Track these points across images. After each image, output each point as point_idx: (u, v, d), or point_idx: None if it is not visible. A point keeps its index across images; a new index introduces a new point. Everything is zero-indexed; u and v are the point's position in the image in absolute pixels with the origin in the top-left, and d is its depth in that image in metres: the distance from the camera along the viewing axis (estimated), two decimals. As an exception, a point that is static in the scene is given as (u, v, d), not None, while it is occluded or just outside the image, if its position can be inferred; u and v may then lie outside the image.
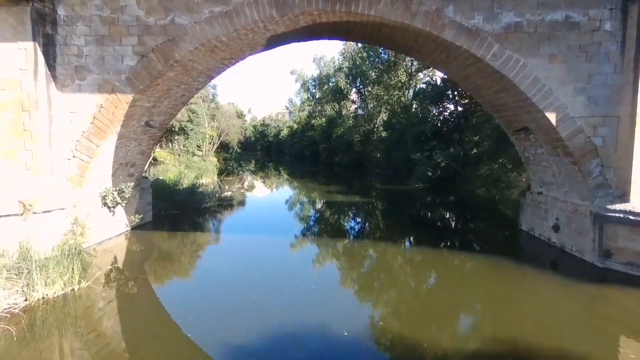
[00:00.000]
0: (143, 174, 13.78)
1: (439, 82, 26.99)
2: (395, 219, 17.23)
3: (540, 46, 8.61)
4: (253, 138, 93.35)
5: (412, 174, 25.91)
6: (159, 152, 27.01)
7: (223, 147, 55.63)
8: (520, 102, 9.20)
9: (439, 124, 26.73)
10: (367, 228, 15.22)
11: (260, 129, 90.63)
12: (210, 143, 44.43)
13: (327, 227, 14.89)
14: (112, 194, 10.45)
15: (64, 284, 7.04)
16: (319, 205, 20.65)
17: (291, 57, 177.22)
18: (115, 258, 10.05)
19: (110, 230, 10.84)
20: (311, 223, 15.62)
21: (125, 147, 10.68)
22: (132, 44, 9.16)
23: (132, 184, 11.43)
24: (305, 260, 10.63)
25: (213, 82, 57.69)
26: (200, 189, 17.40)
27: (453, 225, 15.97)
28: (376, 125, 40.74)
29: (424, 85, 27.33)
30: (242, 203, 19.16)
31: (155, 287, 8.46)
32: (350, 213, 18.23)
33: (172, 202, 14.88)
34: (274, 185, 31.97)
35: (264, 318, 6.64)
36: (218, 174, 36.21)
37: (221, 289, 8.35)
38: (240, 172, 45.83)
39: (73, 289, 7.16)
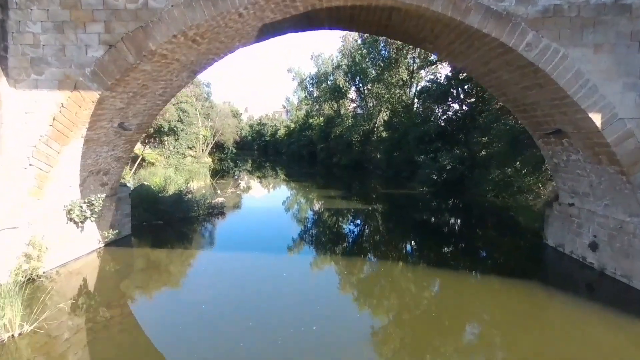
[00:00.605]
0: (122, 181, 12.33)
1: (442, 80, 25.62)
2: (399, 227, 15.87)
3: (583, 34, 7.23)
4: (250, 137, 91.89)
5: (416, 176, 24.56)
6: (149, 154, 25.57)
7: (218, 147, 54.12)
8: (556, 101, 7.82)
9: (443, 124, 25.37)
10: (369, 240, 13.83)
11: (256, 129, 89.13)
12: (204, 143, 42.98)
13: (326, 239, 13.50)
14: (80, 207, 9.01)
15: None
16: (316, 212, 19.24)
17: (288, 55, 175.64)
18: (83, 281, 8.62)
19: (77, 249, 9.40)
20: (308, 234, 14.20)
21: (95, 152, 9.24)
22: (98, 31, 7.73)
23: (105, 194, 9.97)
24: (302, 278, 9.22)
25: (207, 79, 55.44)
26: (189, 195, 15.95)
27: (463, 234, 14.59)
28: (376, 125, 39.39)
29: (427, 84, 25.98)
30: (234, 210, 17.74)
31: (132, 315, 7.11)
32: (350, 222, 16.84)
33: (156, 211, 13.44)
34: (270, 187, 30.50)
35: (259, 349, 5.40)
36: (212, 176, 34.84)
37: (212, 314, 7.05)
38: (237, 172, 44.49)
39: (13, 336, 5.71)
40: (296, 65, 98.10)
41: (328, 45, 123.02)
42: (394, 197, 22.89)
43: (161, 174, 20.02)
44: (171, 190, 17.87)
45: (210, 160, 49.54)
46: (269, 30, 9.70)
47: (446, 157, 21.99)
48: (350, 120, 42.37)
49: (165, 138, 22.87)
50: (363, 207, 19.45)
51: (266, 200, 22.84)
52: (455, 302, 7.97)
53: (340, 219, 17.09)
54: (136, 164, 21.93)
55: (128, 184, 15.60)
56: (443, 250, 12.25)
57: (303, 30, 10.44)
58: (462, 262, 10.83)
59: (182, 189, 16.62)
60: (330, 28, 10.33)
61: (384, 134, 36.11)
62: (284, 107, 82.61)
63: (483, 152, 21.02)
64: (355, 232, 14.85)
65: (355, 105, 45.69)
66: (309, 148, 55.93)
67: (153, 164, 23.61)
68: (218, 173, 37.99)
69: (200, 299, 7.60)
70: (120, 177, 10.99)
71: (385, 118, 36.92)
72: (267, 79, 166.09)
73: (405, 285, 9.07)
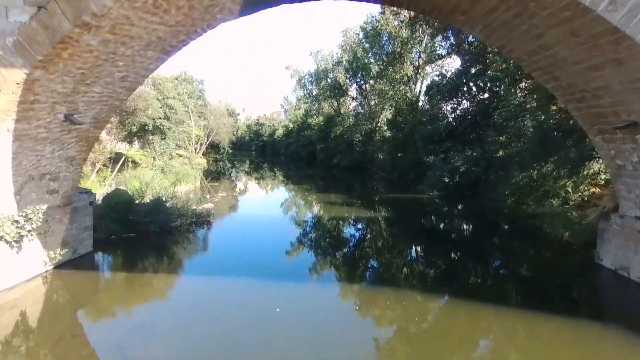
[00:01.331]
0: (83, 188, 10.31)
1: (452, 74, 23.64)
2: (408, 236, 13.91)
3: (689, -13, 5.24)
4: (247, 138, 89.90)
5: (424, 179, 22.60)
6: (135, 154, 23.53)
7: (213, 148, 52.07)
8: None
9: (453, 123, 23.38)
10: (376, 256, 11.75)
11: (254, 129, 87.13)
12: (197, 143, 40.91)
13: (325, 257, 11.44)
14: (12, 222, 6.98)
15: None
16: (315, 221, 17.18)
17: (287, 52, 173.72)
18: (20, 316, 6.60)
19: (12, 276, 7.36)
20: (305, 249, 12.13)
21: (35, 152, 7.21)
22: (24, -13, 5.73)
23: (52, 204, 7.95)
24: (300, 314, 7.17)
25: (199, 75, 53.08)
26: (170, 202, 13.93)
27: (482, 247, 12.56)
28: (379, 124, 37.44)
29: (436, 78, 24.00)
30: (224, 217, 15.70)
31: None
32: (353, 234, 14.82)
33: (128, 222, 11.40)
34: (266, 190, 28.43)
35: None
36: (206, 177, 32.82)
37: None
38: (234, 173, 42.40)
39: None
40: (295, 62, 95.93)
41: (328, 42, 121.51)
42: (400, 202, 20.87)
43: (143, 177, 18.01)
44: (152, 195, 15.88)
45: (205, 161, 47.52)
46: (257, -1, 7.70)
47: (458, 158, 20.03)
48: (351, 119, 40.44)
49: (151, 137, 20.84)
50: (367, 215, 17.42)
51: (261, 205, 20.76)
52: (476, 336, 6.01)
53: (342, 229, 15.09)
54: (118, 165, 19.91)
55: (97, 191, 13.67)
56: (460, 267, 10.29)
57: (301, 1, 8.43)
58: (484, 283, 8.91)
59: (162, 195, 14.57)
60: (334, -2, 8.32)
61: (387, 134, 34.19)
62: (283, 107, 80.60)
63: (500, 153, 19.04)
64: (359, 246, 12.81)
65: (356, 103, 43.72)
66: (308, 148, 53.96)
67: (139, 165, 21.60)
68: (212, 174, 36.04)
69: (173, 347, 5.60)
70: (76, 182, 8.95)
71: (389, 116, 34.97)
72: (265, 78, 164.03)
73: (416, 311, 7.10)
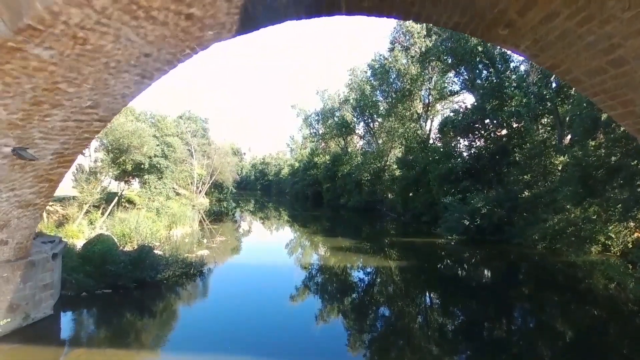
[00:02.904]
0: (49, 235, 8.75)
1: (467, 110, 22.43)
2: (427, 291, 12.02)
3: None
4: (253, 177, 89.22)
5: (440, 221, 20.79)
6: (130, 194, 22.11)
7: (217, 187, 50.86)
8: None
9: (470, 161, 21.91)
10: (391, 313, 9.88)
11: (259, 168, 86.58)
12: (200, 182, 39.68)
13: (335, 324, 9.61)
14: None
15: None
16: (322, 272, 15.33)
17: (293, 91, 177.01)
18: None
19: None
20: (311, 310, 10.27)
21: (-29, 195, 5.72)
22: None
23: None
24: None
25: (203, 114, 52.72)
26: (162, 248, 12.30)
27: (517, 302, 10.63)
28: (388, 163, 36.12)
29: (451, 114, 22.78)
30: (220, 267, 13.92)
31: None
32: (364, 285, 12.98)
33: (105, 275, 9.73)
34: (269, 234, 26.61)
35: None
36: (207, 218, 31.23)
37: None
38: (238, 214, 40.76)
39: None
40: (301, 101, 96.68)
41: (334, 83, 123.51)
42: (415, 247, 18.97)
43: (133, 220, 16.47)
44: (142, 241, 14.28)
45: (208, 200, 46.13)
46: (260, 13, 6.42)
47: (479, 199, 18.36)
48: (359, 158, 39.25)
49: (147, 176, 19.51)
50: (379, 263, 15.51)
51: (262, 252, 18.74)
52: None
53: (352, 282, 13.26)
54: (111, 207, 18.44)
55: (80, 237, 12.17)
56: (485, 322, 8.40)
57: (309, 17, 7.16)
58: (518, 344, 6.97)
59: (151, 241, 12.96)
60: (349, 13, 7.05)
61: (397, 173, 32.76)
62: (288, 146, 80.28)
63: (526, 193, 17.35)
64: (371, 304, 10.93)
65: (363, 142, 42.73)
66: (313, 188, 52.61)
67: (137, 206, 20.08)
68: (214, 215, 34.47)
69: None
70: (33, 230, 7.38)
71: (399, 155, 33.69)
72: (271, 117, 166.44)
73: None
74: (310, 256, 18.01)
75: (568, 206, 14.74)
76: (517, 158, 19.12)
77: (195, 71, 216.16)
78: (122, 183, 21.57)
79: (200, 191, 39.78)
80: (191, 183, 37.35)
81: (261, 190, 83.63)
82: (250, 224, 31.01)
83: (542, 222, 15.69)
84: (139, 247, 11.93)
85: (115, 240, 13.45)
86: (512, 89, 19.17)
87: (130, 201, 20.95)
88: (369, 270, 14.52)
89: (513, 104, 18.94)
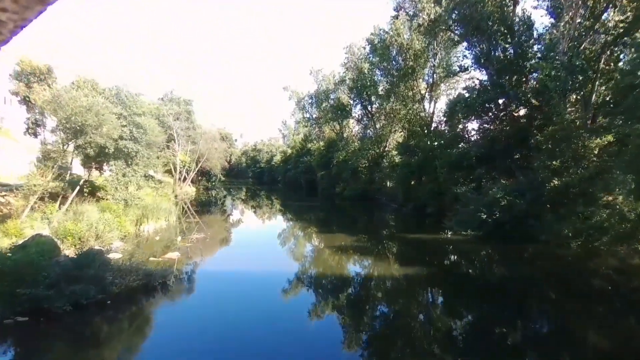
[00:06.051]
0: None
1: (480, 86, 19.72)
2: (442, 300, 9.59)
3: None
4: (244, 164, 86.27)
5: (451, 214, 18.30)
6: (105, 182, 19.15)
7: (204, 175, 48.05)
8: None
9: (484, 145, 19.32)
10: (400, 330, 7.41)
11: (251, 155, 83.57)
12: (183, 169, 36.85)
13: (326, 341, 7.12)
14: None
15: None
16: (317, 277, 12.84)
17: (285, 72, 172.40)
18: None
19: None
20: (302, 336, 7.78)
21: None
22: None
23: None
24: None
25: (186, 94, 49.91)
26: (121, 252, 9.70)
27: (561, 316, 8.22)
28: (387, 149, 33.55)
29: (464, 92, 20.01)
30: (191, 273, 11.30)
31: None
32: (365, 296, 10.50)
33: (24, 295, 7.11)
34: (257, 227, 23.92)
35: None
36: (193, 208, 28.60)
37: None
38: (228, 203, 37.92)
39: None
40: (293, 83, 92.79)
41: (330, 61, 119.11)
42: (423, 247, 16.41)
43: (94, 215, 13.77)
44: (98, 242, 11.64)
45: (194, 189, 43.34)
46: None
47: (498, 189, 15.88)
48: (356, 144, 36.59)
49: (112, 162, 16.72)
50: (383, 270, 13.01)
51: (247, 253, 15.98)
52: None
53: (350, 294, 10.77)
54: (71, 198, 15.70)
55: (19, 236, 9.63)
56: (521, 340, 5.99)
57: None
58: None
59: (107, 243, 10.34)
60: None
61: (398, 159, 30.21)
62: (280, 132, 77.26)
63: (555, 182, 14.85)
64: (374, 320, 8.47)
65: (361, 126, 39.97)
66: (307, 175, 49.99)
67: (104, 195, 17.21)
68: (200, 205, 31.77)
69: None
70: None
71: (399, 140, 31.10)
72: (263, 102, 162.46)
73: None
74: (301, 254, 15.46)
75: (610, 198, 12.33)
76: (539, 141, 16.60)
77: (185, 56, 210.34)
78: (87, 170, 18.78)
79: (183, 179, 37.02)
80: (174, 170, 34.56)
81: (253, 178, 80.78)
82: (239, 214, 28.38)
83: (574, 216, 13.29)
84: (82, 253, 9.28)
85: (59, 242, 10.83)
86: (537, 60, 16.58)
87: (102, 189, 17.96)
88: (370, 280, 12.03)
89: (538, 79, 16.39)
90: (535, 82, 17.45)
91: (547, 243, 14.23)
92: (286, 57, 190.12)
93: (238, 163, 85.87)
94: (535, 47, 17.77)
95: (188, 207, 29.28)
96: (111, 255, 11.10)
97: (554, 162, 15.14)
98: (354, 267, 13.23)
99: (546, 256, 13.66)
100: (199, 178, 47.06)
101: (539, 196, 15.39)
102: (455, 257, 15.04)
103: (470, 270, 13.21)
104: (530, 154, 17.73)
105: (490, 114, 19.53)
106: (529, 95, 17.12)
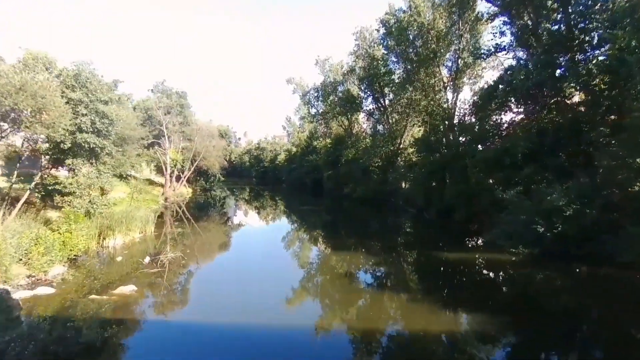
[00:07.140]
0: None
1: (531, 66, 16.07)
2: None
3: None
4: (247, 163, 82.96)
5: (484, 222, 14.75)
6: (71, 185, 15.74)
7: (202, 174, 44.67)
8: None
9: (531, 140, 15.64)
10: None
11: (254, 153, 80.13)
12: (175, 168, 33.42)
13: None
14: None
15: None
16: (316, 329, 9.39)
17: (290, 62, 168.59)
18: None
19: None
20: None
21: None
22: None
23: None
24: None
25: (180, 86, 45.86)
26: (42, 289, 6.37)
27: None
28: (402, 146, 29.95)
29: (507, 72, 16.20)
30: (145, 323, 7.87)
31: None
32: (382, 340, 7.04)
33: None
34: (255, 235, 20.43)
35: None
36: (188, 211, 25.30)
37: None
38: (233, 203, 34.58)
39: None
40: (298, 74, 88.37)
41: (337, 50, 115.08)
42: (456, 267, 12.91)
43: (35, 228, 10.43)
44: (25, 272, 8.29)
45: (190, 190, 39.98)
46: None
47: (559, 194, 12.30)
48: (367, 140, 33.03)
49: (71, 161, 13.37)
50: (403, 309, 9.55)
51: (234, 280, 12.34)
52: None
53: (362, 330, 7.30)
54: (19, 205, 12.40)
55: None
56: None
57: None
58: None
59: (36, 272, 6.95)
60: None
61: (415, 157, 26.63)
62: (285, 129, 73.81)
63: (638, 186, 11.26)
64: None
65: (372, 121, 36.28)
66: (313, 175, 46.43)
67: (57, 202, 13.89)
68: (196, 208, 28.48)
69: None
70: None
71: (417, 135, 27.52)
72: (267, 98, 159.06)
73: None
74: (302, 283, 11.99)
75: None
76: (605, 133, 13.01)
77: (189, 53, 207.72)
78: (39, 170, 15.37)
79: (177, 178, 33.68)
80: (165, 169, 31.19)
81: (257, 178, 77.36)
82: (236, 219, 24.93)
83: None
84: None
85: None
86: (606, 30, 12.99)
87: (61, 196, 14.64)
88: (387, 307, 8.56)
89: (608, 54, 12.79)
90: (603, 60, 13.82)
91: (631, 266, 10.66)
92: (291, 48, 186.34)
93: (241, 162, 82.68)
94: (601, 16, 14.10)
95: (183, 210, 25.98)
96: (35, 292, 7.75)
97: (637, 160, 11.51)
98: (364, 309, 9.76)
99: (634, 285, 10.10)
100: (197, 178, 43.74)
101: (608, 203, 11.82)
102: (508, 288, 11.47)
103: (537, 311, 9.61)
104: (589, 149, 14.14)
105: (543, 98, 15.88)
106: (595, 74, 13.50)
